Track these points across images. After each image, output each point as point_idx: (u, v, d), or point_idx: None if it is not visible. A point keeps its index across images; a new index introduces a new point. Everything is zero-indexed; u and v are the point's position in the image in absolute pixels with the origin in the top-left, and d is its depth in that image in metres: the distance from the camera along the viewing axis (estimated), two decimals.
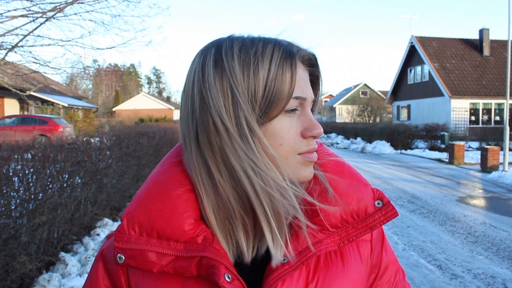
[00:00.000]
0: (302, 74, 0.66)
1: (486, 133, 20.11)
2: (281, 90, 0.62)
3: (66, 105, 23.91)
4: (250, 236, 0.67)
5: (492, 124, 24.94)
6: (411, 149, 19.68)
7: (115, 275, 0.73)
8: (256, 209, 0.62)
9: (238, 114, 0.61)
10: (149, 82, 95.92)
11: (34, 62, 5.52)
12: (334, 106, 53.14)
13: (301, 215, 0.65)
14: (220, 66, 0.62)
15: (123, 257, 0.67)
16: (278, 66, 0.62)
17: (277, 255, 0.63)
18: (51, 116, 19.50)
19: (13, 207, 3.39)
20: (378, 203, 0.70)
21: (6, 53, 5.09)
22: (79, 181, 4.67)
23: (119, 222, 0.72)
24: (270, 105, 0.62)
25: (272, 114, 0.62)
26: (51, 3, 4.94)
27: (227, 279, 0.63)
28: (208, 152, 0.63)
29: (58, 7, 4.94)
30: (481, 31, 27.17)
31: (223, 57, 0.63)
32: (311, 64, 0.70)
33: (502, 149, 12.81)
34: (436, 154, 16.86)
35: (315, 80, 0.73)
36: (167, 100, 65.68)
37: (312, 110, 0.72)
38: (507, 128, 12.74)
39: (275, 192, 0.62)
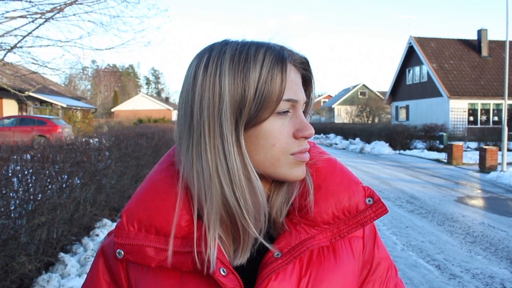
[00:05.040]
0: (294, 77, 0.68)
1: (485, 133, 20.11)
2: (271, 93, 0.64)
3: (64, 105, 23.90)
4: (237, 237, 0.69)
5: (491, 125, 24.98)
6: (410, 149, 19.70)
7: (115, 270, 0.75)
8: (232, 209, 0.65)
9: (220, 118, 0.64)
10: (148, 82, 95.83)
11: (33, 63, 5.53)
12: (332, 106, 53.16)
13: (278, 209, 0.70)
14: (211, 70, 0.65)
15: (122, 252, 0.70)
16: (269, 70, 0.64)
17: (241, 257, 0.68)
18: (50, 116, 19.50)
19: (12, 208, 3.39)
20: (369, 200, 0.73)
21: (5, 54, 5.09)
22: (78, 181, 4.67)
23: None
24: (261, 108, 0.64)
25: (263, 117, 0.64)
26: (50, 4, 4.95)
27: (222, 273, 0.65)
28: (195, 153, 0.66)
29: (57, 8, 4.94)
30: (479, 32, 27.22)
31: (214, 62, 0.65)
32: (304, 67, 0.73)
33: (500, 149, 12.84)
34: (434, 155, 16.88)
35: (308, 83, 0.75)
36: (166, 100, 65.67)
37: (305, 112, 0.74)
38: (506, 128, 12.75)
39: (246, 192, 0.65)
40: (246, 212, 0.65)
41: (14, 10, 4.92)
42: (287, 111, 0.67)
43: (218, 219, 0.66)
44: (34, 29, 5.03)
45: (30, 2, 4.83)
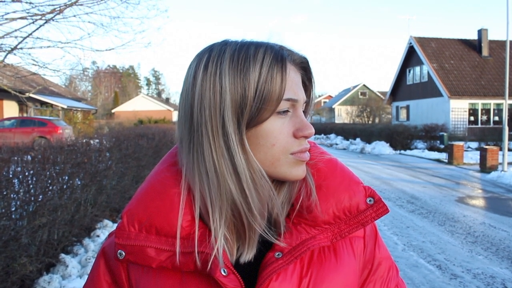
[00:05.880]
0: (293, 77, 0.68)
1: (485, 133, 20.10)
2: (271, 93, 0.64)
3: (65, 107, 23.91)
4: (242, 234, 0.69)
5: (491, 124, 24.96)
6: (410, 149, 19.70)
7: (116, 271, 0.75)
8: (238, 207, 0.66)
9: (223, 117, 0.64)
10: (148, 83, 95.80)
11: (33, 64, 5.53)
12: (333, 106, 53.15)
13: (279, 209, 0.69)
14: (211, 70, 0.65)
15: (123, 253, 0.70)
16: (269, 69, 0.64)
17: (248, 254, 0.69)
18: (50, 118, 19.50)
19: (13, 209, 3.40)
20: (370, 200, 0.73)
21: (6, 55, 5.09)
22: (79, 182, 4.67)
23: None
24: (261, 107, 0.64)
25: (264, 116, 0.65)
26: (50, 5, 4.95)
27: (223, 273, 0.65)
28: (197, 153, 0.66)
29: (57, 9, 4.95)
30: (479, 32, 27.22)
31: (214, 62, 0.65)
32: (304, 67, 0.73)
33: (501, 149, 12.82)
34: (435, 155, 16.87)
35: (308, 82, 0.75)
36: (166, 101, 65.72)
37: (305, 112, 0.74)
38: (506, 128, 12.75)
39: (253, 190, 0.65)
40: (254, 209, 0.65)
41: (14, 12, 4.92)
42: (287, 111, 0.68)
43: (223, 218, 0.66)
44: (35, 31, 5.03)
45: (30, 3, 4.84)
